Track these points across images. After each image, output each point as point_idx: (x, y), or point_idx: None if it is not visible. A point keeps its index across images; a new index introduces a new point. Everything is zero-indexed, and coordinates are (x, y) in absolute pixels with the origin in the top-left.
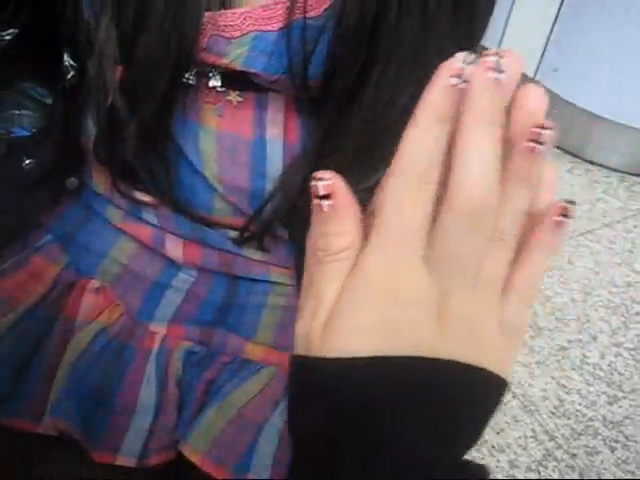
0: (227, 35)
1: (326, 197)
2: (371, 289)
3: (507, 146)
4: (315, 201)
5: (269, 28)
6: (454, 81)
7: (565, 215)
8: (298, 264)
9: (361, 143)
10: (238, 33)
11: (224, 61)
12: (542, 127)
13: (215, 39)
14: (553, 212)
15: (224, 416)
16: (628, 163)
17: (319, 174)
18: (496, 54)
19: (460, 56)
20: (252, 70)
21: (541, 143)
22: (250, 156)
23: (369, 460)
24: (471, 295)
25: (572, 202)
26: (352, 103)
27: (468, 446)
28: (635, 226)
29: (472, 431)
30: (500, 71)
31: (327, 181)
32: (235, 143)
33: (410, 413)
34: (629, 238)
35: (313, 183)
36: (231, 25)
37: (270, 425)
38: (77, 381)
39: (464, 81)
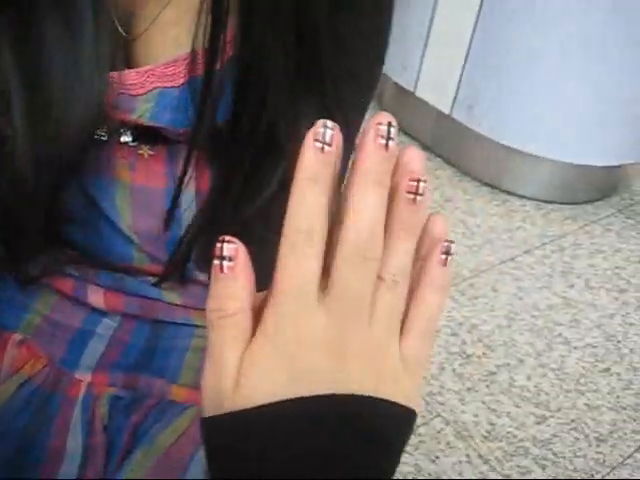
0: (133, 92)
1: (228, 259)
2: (275, 344)
3: (390, 200)
4: (216, 262)
5: (172, 84)
6: (319, 145)
7: (447, 253)
8: None
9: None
10: (142, 90)
11: (132, 117)
12: (418, 180)
13: (122, 97)
14: (437, 251)
15: (151, 458)
16: (543, 192)
17: (226, 237)
18: (387, 124)
19: (320, 122)
20: (159, 125)
21: (420, 194)
22: (164, 207)
23: None
24: (368, 333)
25: (451, 241)
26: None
27: (387, 473)
28: (553, 251)
29: (388, 458)
30: (389, 138)
31: (231, 244)
32: (149, 195)
33: (322, 447)
34: (548, 263)
35: (218, 245)
36: (135, 83)
37: (196, 462)
38: (2, 432)
39: (328, 144)
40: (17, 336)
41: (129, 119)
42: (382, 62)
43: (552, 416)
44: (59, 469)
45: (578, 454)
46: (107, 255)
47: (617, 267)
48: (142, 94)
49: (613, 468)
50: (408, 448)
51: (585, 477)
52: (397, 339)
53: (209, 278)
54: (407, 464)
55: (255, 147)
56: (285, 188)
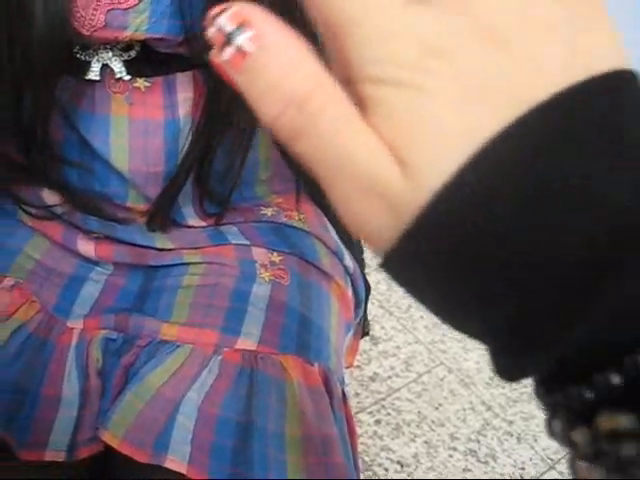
0: (124, 6)
1: (241, 31)
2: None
3: None
4: (229, 53)
5: None
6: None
7: None
8: None
9: None
10: (135, 0)
11: (126, 34)
12: None
13: (113, 13)
14: None
15: (142, 397)
16: None
17: (216, 9)
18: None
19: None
20: (157, 35)
21: None
22: (163, 138)
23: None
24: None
25: None
26: None
27: None
28: None
29: None
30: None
31: (232, 9)
32: (148, 127)
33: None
34: None
35: (212, 29)
36: None
37: (187, 400)
38: None
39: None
40: (9, 280)
41: (123, 37)
42: None
43: None
44: (56, 415)
45: None
46: (101, 196)
47: None
48: (134, 5)
49: None
50: (411, 396)
51: None
52: None
53: (205, 220)
54: (410, 412)
55: None
56: None
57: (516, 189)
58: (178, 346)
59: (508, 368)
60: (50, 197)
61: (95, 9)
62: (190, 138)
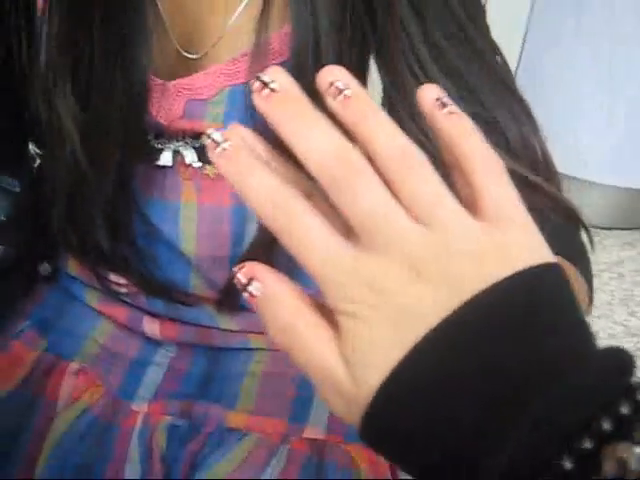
0: (204, 96)
1: (249, 282)
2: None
3: None
4: (244, 295)
5: (239, 81)
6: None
7: (443, 105)
8: None
9: None
10: (214, 91)
11: (204, 124)
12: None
13: (191, 104)
14: (426, 96)
15: None
16: (597, 218)
17: (237, 266)
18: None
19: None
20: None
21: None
22: (230, 224)
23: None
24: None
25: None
26: None
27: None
28: (611, 278)
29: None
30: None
31: (244, 268)
32: (215, 214)
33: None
34: (607, 291)
35: (235, 279)
36: (205, 85)
37: None
38: (62, 461)
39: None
40: (74, 365)
41: (199, 127)
42: None
43: None
44: None
45: None
46: (165, 283)
47: None
48: (213, 95)
49: None
50: None
51: None
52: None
53: None
54: None
55: None
56: None
57: (426, 386)
58: (245, 434)
59: None
60: (116, 280)
61: (174, 99)
62: (258, 224)
